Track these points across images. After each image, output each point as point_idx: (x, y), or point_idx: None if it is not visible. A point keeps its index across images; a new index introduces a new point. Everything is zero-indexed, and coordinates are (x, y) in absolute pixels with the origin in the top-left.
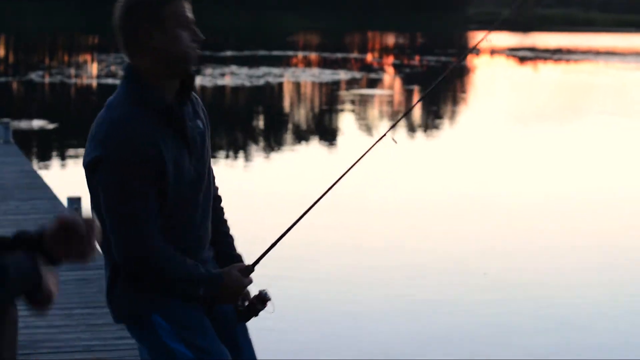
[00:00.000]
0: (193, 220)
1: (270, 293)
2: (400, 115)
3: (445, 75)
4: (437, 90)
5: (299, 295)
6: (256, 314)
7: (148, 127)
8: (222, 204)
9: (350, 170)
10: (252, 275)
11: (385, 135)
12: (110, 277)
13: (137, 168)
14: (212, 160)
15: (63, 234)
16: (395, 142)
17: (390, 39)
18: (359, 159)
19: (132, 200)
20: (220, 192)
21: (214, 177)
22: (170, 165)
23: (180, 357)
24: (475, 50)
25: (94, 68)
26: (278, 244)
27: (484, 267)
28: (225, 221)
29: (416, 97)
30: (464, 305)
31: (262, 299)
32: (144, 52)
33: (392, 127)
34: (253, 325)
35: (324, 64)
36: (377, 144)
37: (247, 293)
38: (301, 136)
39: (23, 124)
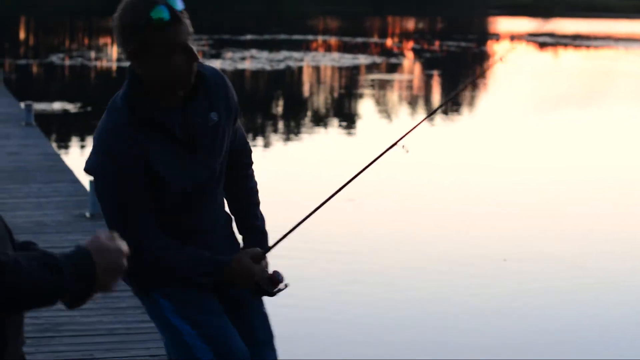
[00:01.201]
0: (198, 215)
1: (283, 275)
2: (415, 120)
3: (466, 85)
4: (454, 74)
5: (312, 282)
6: (268, 294)
7: (137, 134)
8: (252, 170)
9: (362, 172)
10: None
11: (396, 143)
12: None
13: (124, 176)
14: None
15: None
16: (407, 151)
17: (410, 24)
18: (369, 165)
19: (124, 209)
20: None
21: (245, 142)
22: (162, 168)
23: (181, 330)
24: (495, 36)
25: (114, 51)
26: (295, 231)
27: (503, 254)
28: (251, 188)
29: (436, 81)
30: (481, 299)
31: (275, 280)
32: (136, 69)
33: (405, 135)
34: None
35: (344, 48)
36: (387, 151)
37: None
38: (321, 121)
39: (45, 107)
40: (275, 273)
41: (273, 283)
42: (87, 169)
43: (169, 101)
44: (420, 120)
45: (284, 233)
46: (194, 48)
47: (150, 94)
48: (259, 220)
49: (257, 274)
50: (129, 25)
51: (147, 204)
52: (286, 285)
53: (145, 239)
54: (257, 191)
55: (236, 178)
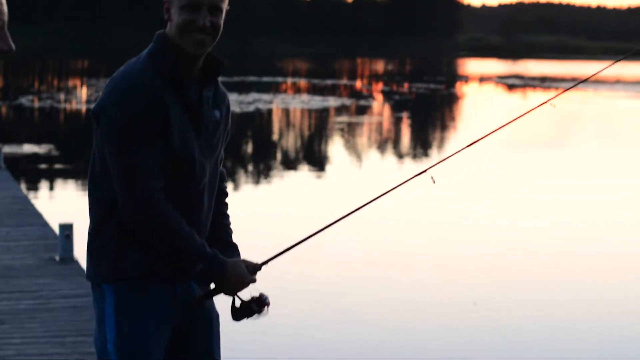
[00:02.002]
0: (194, 199)
1: (270, 298)
2: (443, 155)
3: (508, 123)
4: (423, 117)
5: (298, 308)
6: (250, 315)
7: (158, 87)
8: (226, 198)
9: (372, 202)
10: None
11: (424, 172)
12: (90, 233)
13: (139, 119)
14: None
15: None
16: (434, 181)
17: (380, 66)
18: (383, 194)
19: (134, 150)
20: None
21: (223, 172)
22: (175, 130)
23: (106, 334)
24: (465, 78)
25: (83, 92)
26: (269, 265)
27: (473, 295)
28: (228, 215)
29: (405, 124)
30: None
31: (261, 302)
32: (167, 20)
33: (435, 164)
34: (248, 328)
35: (314, 90)
36: (413, 178)
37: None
38: (291, 163)
39: (14, 149)
40: (262, 295)
41: (259, 304)
42: (96, 111)
43: (189, 71)
44: (451, 153)
45: (279, 252)
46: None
47: (176, 56)
48: (232, 238)
49: (248, 285)
50: None
51: (156, 153)
52: (267, 311)
53: (155, 183)
54: (229, 220)
55: (217, 202)
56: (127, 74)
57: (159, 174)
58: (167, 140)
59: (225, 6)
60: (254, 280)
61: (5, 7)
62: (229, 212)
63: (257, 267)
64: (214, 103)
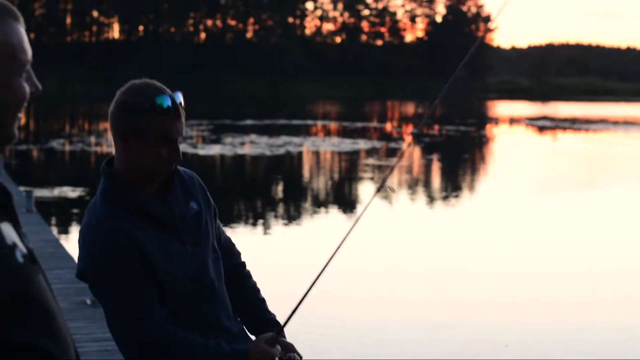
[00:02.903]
0: (203, 303)
1: (299, 356)
2: (393, 164)
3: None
4: (454, 159)
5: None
6: None
7: (126, 226)
8: (247, 269)
9: (354, 227)
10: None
11: (382, 185)
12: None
13: (121, 265)
14: (231, 229)
15: None
16: (393, 190)
17: (410, 108)
18: (362, 212)
19: (128, 297)
20: (242, 258)
21: (232, 243)
22: (158, 257)
23: None
24: (495, 120)
25: None
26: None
27: (502, 339)
28: (253, 286)
29: (436, 166)
30: None
31: None
32: (119, 151)
33: (388, 174)
34: None
35: (344, 133)
36: (376, 193)
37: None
38: (321, 206)
39: (45, 193)
40: (291, 356)
41: None
42: (80, 272)
43: (145, 193)
44: (395, 162)
45: (290, 312)
46: (180, 148)
47: (127, 187)
48: (271, 314)
49: (276, 357)
50: (132, 105)
51: (149, 289)
52: None
53: (155, 319)
54: (259, 289)
55: (237, 280)
56: (93, 228)
57: (160, 305)
58: (154, 268)
59: None
60: (279, 351)
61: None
62: (254, 281)
63: (275, 338)
64: (185, 197)
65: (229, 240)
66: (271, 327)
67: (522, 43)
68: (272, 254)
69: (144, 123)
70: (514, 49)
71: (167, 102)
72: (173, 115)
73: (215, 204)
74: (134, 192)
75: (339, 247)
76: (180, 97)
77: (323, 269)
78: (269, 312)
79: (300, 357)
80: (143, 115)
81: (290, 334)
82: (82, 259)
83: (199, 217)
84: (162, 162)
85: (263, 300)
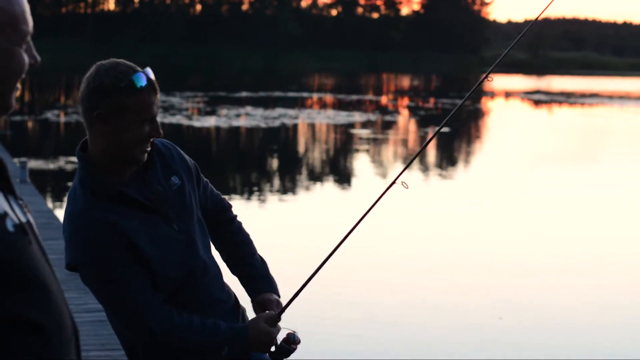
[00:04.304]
0: (196, 283)
1: (299, 335)
2: (411, 158)
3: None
4: (449, 132)
5: (321, 339)
6: (287, 355)
7: (109, 217)
8: (237, 223)
9: (365, 216)
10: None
11: (395, 182)
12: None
13: (108, 258)
14: (226, 196)
15: None
16: (407, 186)
17: (405, 81)
18: (373, 206)
19: (119, 291)
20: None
21: (221, 199)
22: (146, 243)
23: None
24: (491, 94)
25: None
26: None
27: (497, 314)
28: (242, 241)
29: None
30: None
31: (291, 342)
32: (97, 135)
33: (402, 171)
34: None
35: (339, 105)
36: (388, 189)
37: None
38: (316, 178)
39: (39, 164)
40: (290, 335)
41: (289, 343)
42: (69, 264)
43: (123, 176)
44: (414, 155)
45: (293, 294)
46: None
47: (105, 172)
48: (257, 268)
49: (276, 336)
50: (109, 85)
51: (139, 279)
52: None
53: (149, 305)
54: (249, 242)
55: (224, 236)
56: (76, 220)
57: (153, 292)
58: (142, 253)
59: None
60: (279, 330)
61: (29, 17)
62: (243, 236)
63: (276, 317)
64: (165, 173)
65: (218, 196)
66: (257, 284)
67: (519, 17)
68: (267, 226)
69: (123, 102)
70: (510, 23)
71: (143, 79)
72: (151, 92)
73: (203, 169)
74: (112, 177)
75: (346, 236)
76: (151, 73)
77: (330, 255)
78: (254, 267)
79: (299, 340)
80: (121, 94)
81: (289, 316)
82: (68, 252)
83: (182, 191)
84: (144, 140)
85: (250, 255)
